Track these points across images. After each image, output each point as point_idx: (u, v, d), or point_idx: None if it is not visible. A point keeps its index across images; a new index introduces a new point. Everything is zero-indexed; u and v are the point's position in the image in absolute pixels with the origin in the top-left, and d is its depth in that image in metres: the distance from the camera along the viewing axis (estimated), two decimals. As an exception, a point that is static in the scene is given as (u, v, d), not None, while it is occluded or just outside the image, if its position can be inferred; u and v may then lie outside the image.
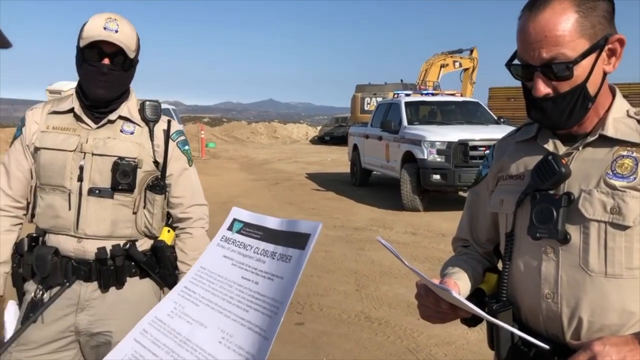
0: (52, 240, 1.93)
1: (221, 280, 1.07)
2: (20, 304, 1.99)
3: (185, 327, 1.04)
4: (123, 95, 1.96)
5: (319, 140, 33.43)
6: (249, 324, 0.96)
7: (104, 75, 1.84)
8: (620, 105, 1.25)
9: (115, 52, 1.84)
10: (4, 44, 0.46)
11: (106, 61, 1.84)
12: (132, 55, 1.87)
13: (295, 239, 1.01)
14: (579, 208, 1.18)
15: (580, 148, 1.23)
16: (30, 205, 1.97)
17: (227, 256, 1.11)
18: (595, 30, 1.15)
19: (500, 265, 1.42)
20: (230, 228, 1.17)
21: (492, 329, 1.31)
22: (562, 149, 1.26)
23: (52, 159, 1.90)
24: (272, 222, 1.09)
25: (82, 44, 1.82)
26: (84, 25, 1.85)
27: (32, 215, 1.97)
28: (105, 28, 1.81)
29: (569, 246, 1.19)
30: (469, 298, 1.34)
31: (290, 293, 0.94)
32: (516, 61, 1.23)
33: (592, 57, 1.16)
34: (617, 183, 1.16)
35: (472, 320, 1.35)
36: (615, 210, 1.14)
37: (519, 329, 1.19)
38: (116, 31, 1.82)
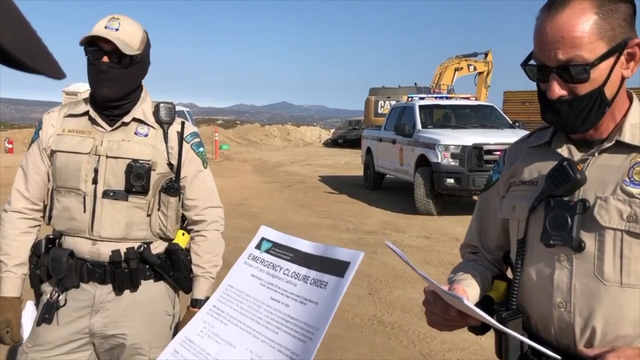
0: (68, 242, 1.94)
1: (249, 299, 1.06)
2: (37, 305, 2.01)
3: (215, 347, 1.03)
4: (132, 95, 1.96)
5: (332, 143, 33.40)
6: (279, 346, 0.94)
7: (103, 73, 1.84)
8: (638, 110, 1.22)
9: (113, 49, 1.83)
10: (58, 75, 0.47)
11: (105, 59, 1.84)
12: (128, 51, 1.84)
13: (331, 266, 0.99)
14: (594, 215, 1.16)
15: (596, 154, 1.21)
16: (47, 208, 1.99)
17: (255, 275, 1.10)
18: (614, 33, 1.12)
19: (509, 273, 1.40)
20: (258, 247, 1.15)
21: (501, 338, 1.29)
22: (577, 155, 1.23)
23: (67, 161, 1.92)
24: (304, 245, 1.07)
25: (81, 41, 1.84)
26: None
27: (49, 218, 1.99)
28: (106, 27, 1.83)
29: (583, 254, 1.17)
30: (477, 305, 1.33)
31: (328, 320, 0.92)
32: (532, 62, 1.21)
33: (611, 60, 1.13)
34: (635, 190, 1.13)
35: (479, 328, 1.33)
36: (632, 218, 1.12)
37: (529, 339, 1.17)
38: (117, 29, 1.83)
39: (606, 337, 1.15)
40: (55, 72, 0.46)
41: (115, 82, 1.87)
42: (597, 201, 1.16)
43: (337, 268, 0.98)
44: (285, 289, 1.03)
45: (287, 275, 1.05)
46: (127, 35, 1.85)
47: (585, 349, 1.16)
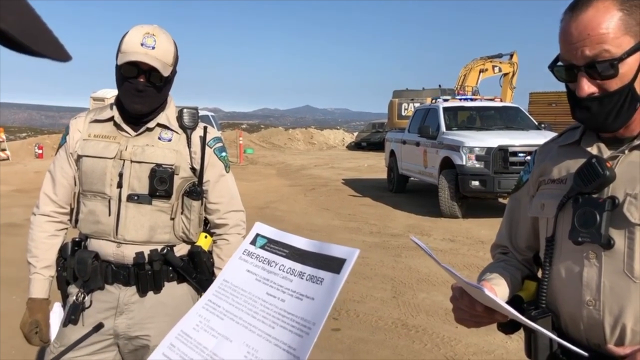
0: (93, 244, 1.98)
1: (245, 294, 1.06)
2: (64, 306, 2.05)
3: (212, 341, 1.03)
4: (161, 106, 1.99)
5: (356, 146, 33.36)
6: (275, 341, 0.95)
7: (139, 92, 1.87)
8: None
9: (151, 69, 1.86)
10: (64, 57, 0.48)
11: (142, 79, 1.86)
12: (167, 72, 1.88)
13: (327, 262, 0.99)
14: (623, 212, 1.14)
15: (627, 151, 1.19)
16: (74, 211, 2.03)
17: (250, 271, 1.10)
18: None
19: (539, 273, 1.38)
20: (253, 243, 1.15)
21: (530, 337, 1.28)
22: (606, 153, 1.22)
23: (93, 166, 1.95)
24: (298, 242, 1.07)
25: (119, 61, 1.85)
26: (123, 37, 1.88)
27: (76, 221, 2.03)
28: (142, 44, 1.83)
29: (612, 251, 1.15)
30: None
31: (324, 315, 0.92)
32: (559, 63, 1.20)
33: (639, 55, 1.12)
34: None
35: (509, 327, 1.32)
36: None
37: (558, 337, 1.16)
38: (153, 47, 1.84)
39: (637, 336, 1.13)
40: (60, 54, 0.46)
41: (148, 100, 1.91)
42: (627, 198, 1.14)
43: (333, 265, 0.98)
44: (281, 285, 1.02)
45: (283, 271, 1.04)
46: (164, 54, 1.87)
47: (616, 347, 1.13)
